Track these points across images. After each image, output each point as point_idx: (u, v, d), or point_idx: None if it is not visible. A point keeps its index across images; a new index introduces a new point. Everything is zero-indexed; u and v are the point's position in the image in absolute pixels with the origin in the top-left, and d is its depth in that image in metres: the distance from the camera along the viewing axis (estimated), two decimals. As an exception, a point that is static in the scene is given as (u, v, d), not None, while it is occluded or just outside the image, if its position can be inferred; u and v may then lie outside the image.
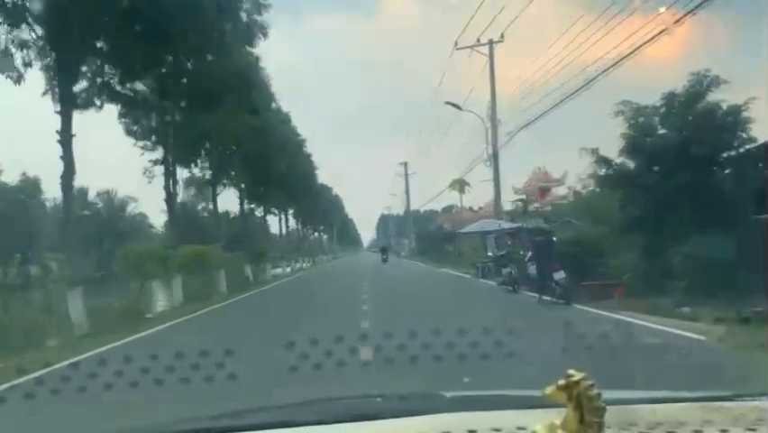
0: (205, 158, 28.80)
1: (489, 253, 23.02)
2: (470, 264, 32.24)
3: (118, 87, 20.31)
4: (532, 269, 19.50)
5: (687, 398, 1.41)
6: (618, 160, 14.99)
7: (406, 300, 16.98)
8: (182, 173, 28.94)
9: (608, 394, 0.98)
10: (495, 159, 31.71)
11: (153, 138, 22.77)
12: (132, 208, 63.97)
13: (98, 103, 19.92)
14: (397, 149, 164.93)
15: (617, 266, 15.32)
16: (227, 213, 44.25)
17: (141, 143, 23.53)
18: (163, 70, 20.98)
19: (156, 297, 19.52)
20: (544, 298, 15.18)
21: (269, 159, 33.81)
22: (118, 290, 20.96)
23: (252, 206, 41.91)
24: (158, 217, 53.82)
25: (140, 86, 21.15)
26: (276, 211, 50.78)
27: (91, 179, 53.04)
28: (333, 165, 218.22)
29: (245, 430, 1.33)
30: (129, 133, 23.46)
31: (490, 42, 32.49)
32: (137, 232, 56.21)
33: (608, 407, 0.95)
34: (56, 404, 4.07)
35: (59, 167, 17.20)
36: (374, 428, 1.31)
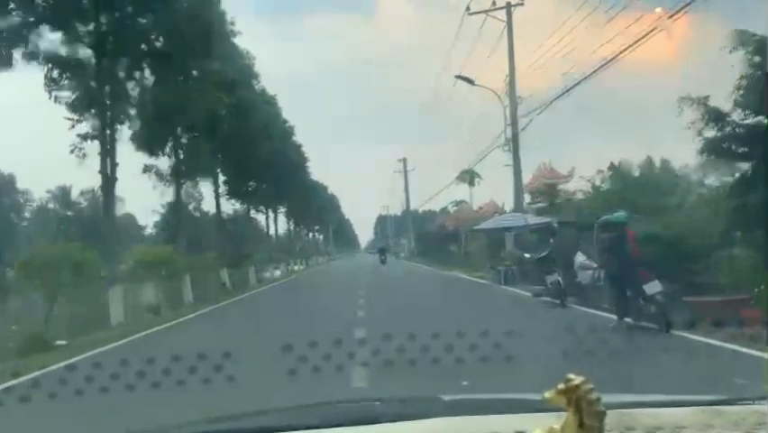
0: (170, 142, 23.75)
1: (527, 255, 18.01)
2: (487, 267, 27.45)
3: (36, 40, 15.42)
4: (585, 275, 14.65)
5: (687, 402, 1.39)
6: (737, 117, 10.02)
7: (417, 320, 11.59)
8: (142, 159, 23.98)
9: (607, 398, 0.96)
10: (515, 141, 26.76)
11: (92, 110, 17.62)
12: (117, 209, 59.64)
13: (7, 58, 15.00)
14: (396, 148, 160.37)
15: (735, 273, 10.33)
16: (219, 213, 39.61)
17: (73, 115, 17.97)
18: (94, 19, 15.94)
19: (79, 315, 14.48)
20: (626, 320, 10.22)
21: (248, 145, 28.87)
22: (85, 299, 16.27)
23: (233, 201, 36.91)
24: (149, 218, 49.71)
25: (65, 39, 16.15)
26: (263, 209, 45.79)
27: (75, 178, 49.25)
28: (332, 165, 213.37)
29: None
30: (62, 102, 18.02)
31: (508, 6, 27.71)
32: (123, 233, 51.84)
33: (607, 411, 0.94)
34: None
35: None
36: (373, 432, 1.29)
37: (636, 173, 28.37)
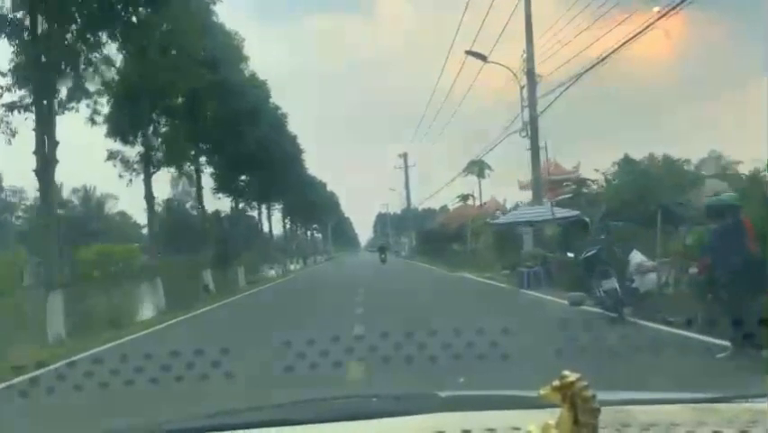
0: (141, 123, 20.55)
1: (570, 255, 14.78)
2: (499, 267, 24.43)
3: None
4: (646, 280, 11.51)
5: (681, 399, 1.37)
6: None
7: (435, 342, 8.43)
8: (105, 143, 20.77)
9: (602, 395, 0.94)
10: (533, 124, 23.57)
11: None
12: (109, 207, 56.94)
13: None
14: (396, 147, 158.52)
15: None
16: (218, 212, 36.73)
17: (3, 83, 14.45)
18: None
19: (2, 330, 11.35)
20: (742, 348, 7.04)
21: (235, 131, 25.80)
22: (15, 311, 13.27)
23: (221, 196, 33.85)
24: (143, 216, 46.83)
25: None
26: (256, 205, 42.71)
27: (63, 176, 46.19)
28: (331, 164, 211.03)
29: (241, 429, 1.30)
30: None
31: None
32: (117, 231, 49.20)
33: (602, 408, 0.93)
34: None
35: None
36: (369, 428, 1.28)
37: (657, 166, 25.75)
